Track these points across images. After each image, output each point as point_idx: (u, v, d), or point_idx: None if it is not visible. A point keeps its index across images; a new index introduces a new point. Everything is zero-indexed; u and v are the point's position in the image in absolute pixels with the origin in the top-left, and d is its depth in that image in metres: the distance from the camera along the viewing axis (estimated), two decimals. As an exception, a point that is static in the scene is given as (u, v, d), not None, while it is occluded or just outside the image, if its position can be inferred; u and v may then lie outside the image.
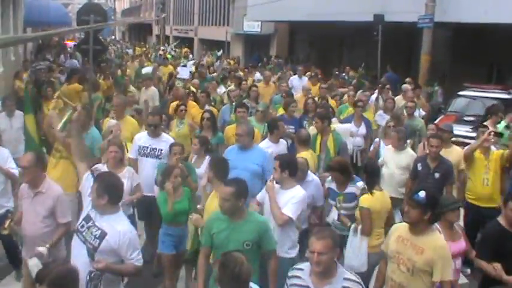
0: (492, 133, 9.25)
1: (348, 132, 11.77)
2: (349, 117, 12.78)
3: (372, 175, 7.66)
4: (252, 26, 40.00)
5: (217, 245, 5.97)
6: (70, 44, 39.45)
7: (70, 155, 7.81)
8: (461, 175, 9.68)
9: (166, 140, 9.05)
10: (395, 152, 9.89)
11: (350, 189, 7.75)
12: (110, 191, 5.49)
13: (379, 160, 10.09)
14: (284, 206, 6.65)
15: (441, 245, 5.67)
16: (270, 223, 6.29)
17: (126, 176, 7.61)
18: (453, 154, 9.69)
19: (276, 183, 6.88)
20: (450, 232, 6.54)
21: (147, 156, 9.02)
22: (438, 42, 22.32)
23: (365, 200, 7.32)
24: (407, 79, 19.19)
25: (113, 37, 62.02)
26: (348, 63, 28.67)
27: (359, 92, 16.19)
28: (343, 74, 24.18)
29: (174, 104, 12.40)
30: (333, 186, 7.93)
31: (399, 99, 14.90)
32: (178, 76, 19.38)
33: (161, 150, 8.90)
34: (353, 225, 7.43)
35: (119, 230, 5.42)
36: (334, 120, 11.96)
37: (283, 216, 6.61)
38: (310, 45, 37.02)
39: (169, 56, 31.23)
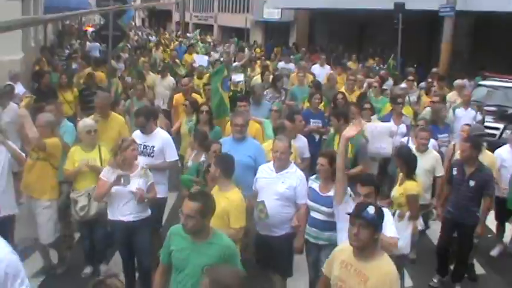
0: None
1: (388, 132, 10.55)
2: (387, 115, 11.53)
3: (409, 162, 7.56)
4: (271, 14, 39.89)
5: (174, 265, 5.23)
6: (90, 30, 39.57)
7: (48, 155, 7.69)
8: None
9: (160, 136, 8.39)
10: (418, 154, 8.61)
11: (333, 192, 6.69)
12: None
13: None
14: None
15: (388, 272, 4.71)
16: (235, 246, 5.31)
17: (139, 174, 7.13)
18: (484, 160, 8.63)
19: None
20: None
21: (140, 155, 8.18)
22: (459, 31, 22.10)
23: (412, 187, 7.35)
24: (410, 69, 18.82)
25: (133, 23, 62.00)
26: (368, 52, 28.48)
27: (396, 87, 14.97)
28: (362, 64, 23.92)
29: (178, 97, 12.09)
30: (316, 187, 6.97)
31: (452, 96, 14.23)
32: (195, 65, 18.79)
33: (153, 147, 8.23)
34: (397, 212, 7.30)
35: None
36: (373, 117, 10.96)
37: (394, 240, 5.98)
38: (329, 34, 36.80)
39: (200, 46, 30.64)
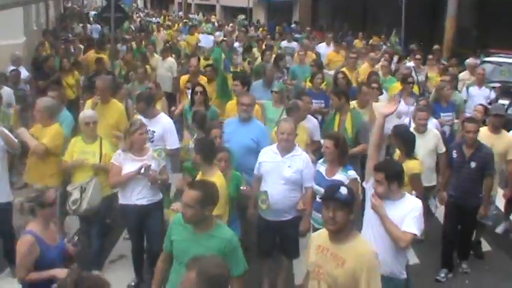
0: None
1: (395, 113, 10.12)
2: (396, 94, 10.55)
3: (407, 140, 7.45)
4: (274, -8, 39.71)
5: (175, 255, 5.10)
6: (91, 12, 39.47)
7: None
8: (510, 166, 8.52)
9: (162, 122, 8.22)
10: (417, 134, 8.26)
11: (339, 176, 6.62)
12: None
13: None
14: (400, 222, 5.47)
15: (364, 252, 4.59)
16: (237, 240, 5.04)
17: (151, 157, 7.05)
18: (503, 141, 8.52)
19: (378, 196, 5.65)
20: None
21: None
22: (463, 8, 21.92)
23: (415, 166, 7.19)
24: (413, 46, 18.62)
25: (135, 5, 61.76)
26: (372, 29, 28.32)
27: (401, 65, 14.83)
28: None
29: (185, 78, 11.92)
30: (323, 170, 6.82)
31: (465, 76, 14.06)
32: (200, 44, 18.49)
33: (153, 132, 8.01)
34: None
35: None
36: (382, 97, 10.54)
37: (407, 235, 5.43)
38: (333, 12, 36.62)
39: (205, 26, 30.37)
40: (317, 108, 10.41)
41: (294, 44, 19.84)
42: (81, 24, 30.28)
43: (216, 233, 4.88)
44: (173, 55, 16.52)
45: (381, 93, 10.73)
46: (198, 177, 6.32)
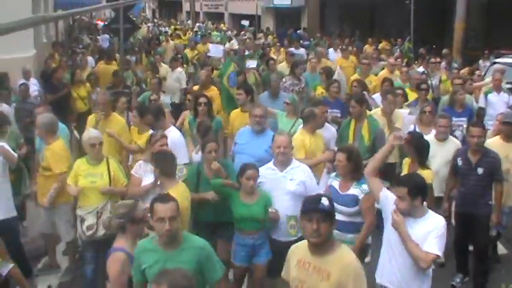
0: None
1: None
2: (413, 102, 10.96)
3: (422, 150, 7.21)
4: (282, -1, 39.69)
5: (151, 281, 4.63)
6: (100, 24, 39.60)
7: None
8: None
9: (170, 136, 7.77)
10: (438, 143, 8.13)
11: (354, 190, 6.40)
12: None
13: None
14: (422, 241, 5.21)
15: (349, 262, 4.44)
16: (209, 246, 4.93)
17: None
18: None
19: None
20: None
21: None
22: (473, 8, 21.84)
23: (428, 176, 6.76)
24: (421, 50, 18.52)
25: (143, 15, 62.00)
26: (380, 34, 28.27)
27: (411, 71, 14.23)
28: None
29: (195, 89, 11.79)
30: (336, 184, 6.56)
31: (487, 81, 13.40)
32: (209, 54, 17.85)
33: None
34: None
35: None
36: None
37: (429, 256, 5.16)
38: (340, 18, 36.60)
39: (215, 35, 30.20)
40: (333, 117, 10.09)
41: (302, 51, 19.80)
42: (90, 36, 30.43)
43: (186, 246, 4.73)
44: (184, 65, 16.28)
45: (406, 100, 10.63)
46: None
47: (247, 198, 6.49)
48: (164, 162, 6.23)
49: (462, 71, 15.16)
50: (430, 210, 5.46)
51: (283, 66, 15.37)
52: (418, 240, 5.20)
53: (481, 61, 18.69)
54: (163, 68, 15.67)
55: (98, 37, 28.09)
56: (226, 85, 10.98)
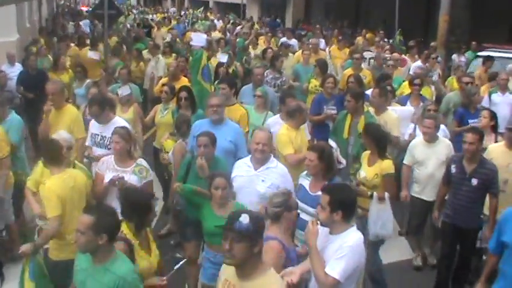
0: None
1: (410, 116, 9.31)
2: (403, 97, 10.56)
3: (379, 141, 6.98)
4: (268, -12, 39.64)
5: (75, 285, 4.67)
6: (84, 9, 39.32)
7: None
8: None
9: (118, 126, 7.32)
10: (427, 144, 7.82)
11: None
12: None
13: (406, 158, 8.11)
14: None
15: None
16: (133, 277, 4.48)
17: (132, 171, 6.47)
18: None
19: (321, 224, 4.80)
20: None
21: (98, 146, 7.72)
22: (458, 2, 21.93)
23: (389, 166, 6.83)
24: (411, 42, 18.43)
25: (128, 2, 61.48)
26: (365, 25, 28.34)
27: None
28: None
29: (164, 81, 11.16)
30: (306, 184, 6.21)
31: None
32: (191, 43, 16.45)
33: (110, 138, 7.29)
34: (375, 194, 6.77)
35: None
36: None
37: (327, 278, 4.57)
38: (326, 8, 36.62)
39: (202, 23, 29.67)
40: (329, 114, 9.52)
41: (293, 41, 19.48)
42: (73, 22, 30.16)
43: (111, 267, 4.40)
44: (173, 55, 15.67)
45: (394, 97, 10.22)
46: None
47: (220, 210, 5.90)
48: (47, 149, 6.02)
49: (477, 72, 14.64)
50: (352, 228, 4.77)
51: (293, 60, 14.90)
52: (329, 259, 4.65)
53: (455, 55, 18.62)
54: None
55: (80, 23, 27.81)
56: (199, 80, 10.21)
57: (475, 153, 6.94)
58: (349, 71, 12.45)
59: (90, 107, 7.90)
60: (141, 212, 5.14)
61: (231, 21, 31.84)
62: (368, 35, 23.71)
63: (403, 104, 10.07)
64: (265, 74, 11.70)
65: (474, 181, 6.89)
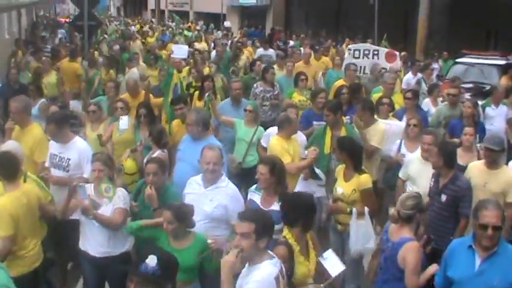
0: None
1: (401, 132, 8.73)
2: (399, 111, 9.90)
3: (354, 153, 6.79)
4: (247, -2, 39.74)
5: None
6: (63, 20, 39.19)
7: None
8: (508, 210, 6.49)
9: (77, 148, 7.17)
10: (423, 162, 7.31)
11: (277, 206, 5.76)
12: None
13: (401, 172, 7.72)
14: None
15: None
16: None
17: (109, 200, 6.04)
18: (500, 179, 6.85)
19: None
20: None
21: (56, 167, 7.18)
22: (436, 9, 22.17)
23: (366, 181, 6.62)
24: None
25: (109, 13, 61.32)
26: (345, 33, 28.54)
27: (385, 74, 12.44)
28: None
29: (125, 97, 10.22)
30: (257, 199, 6.00)
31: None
32: (173, 56, 15.59)
33: (68, 160, 7.06)
34: (354, 210, 6.58)
35: None
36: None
37: None
38: (306, 17, 36.79)
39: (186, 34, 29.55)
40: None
41: (271, 52, 19.29)
42: (52, 34, 30.05)
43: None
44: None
45: (392, 110, 9.64)
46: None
47: (176, 243, 5.42)
48: (3, 165, 5.80)
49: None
50: (270, 261, 4.38)
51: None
52: None
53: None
54: (141, 67, 14.95)
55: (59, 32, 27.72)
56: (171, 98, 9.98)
57: (437, 167, 6.66)
58: (340, 82, 11.93)
59: (48, 126, 7.28)
60: (307, 215, 5.20)
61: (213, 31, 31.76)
62: (348, 43, 23.74)
63: (399, 118, 9.51)
64: (254, 86, 11.53)
65: (443, 197, 6.54)
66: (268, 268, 4.30)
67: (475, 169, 7.10)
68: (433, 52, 20.96)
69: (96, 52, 17.80)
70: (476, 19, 22.05)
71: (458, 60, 17.58)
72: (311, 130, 9.11)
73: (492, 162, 6.95)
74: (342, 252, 6.72)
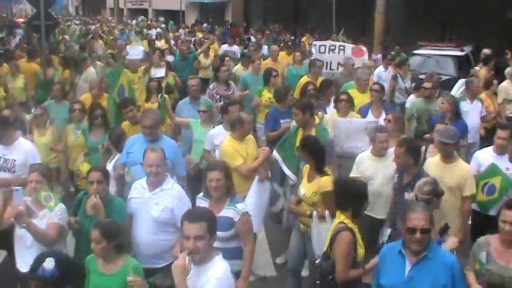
0: None
1: (364, 128, 8.26)
2: (364, 107, 9.57)
3: (316, 153, 6.58)
4: (206, -6, 39.66)
5: None
6: (21, 21, 38.56)
7: None
8: (464, 204, 6.76)
9: (22, 148, 7.12)
10: (376, 159, 7.23)
11: (227, 212, 5.58)
12: None
13: (353, 172, 7.45)
14: None
15: None
16: None
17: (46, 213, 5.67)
18: (455, 172, 6.78)
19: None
20: None
21: (0, 170, 7.06)
22: (392, 1, 22.44)
23: (327, 183, 6.27)
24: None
25: (68, 11, 60.45)
26: (304, 28, 28.68)
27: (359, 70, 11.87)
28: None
29: (85, 98, 10.36)
30: (204, 204, 5.72)
31: (508, 87, 12.07)
32: (128, 57, 14.17)
33: (14, 161, 6.98)
34: (315, 213, 6.37)
35: None
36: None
37: None
38: (264, 12, 36.91)
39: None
40: (287, 127, 8.73)
41: (235, 48, 19.24)
42: (9, 35, 29.56)
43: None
44: None
45: (352, 107, 9.22)
46: None
47: (106, 266, 5.02)
48: None
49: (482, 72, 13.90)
50: (218, 256, 4.35)
51: (238, 69, 14.20)
52: None
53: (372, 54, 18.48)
54: (98, 66, 14.86)
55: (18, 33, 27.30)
56: (115, 97, 9.86)
57: (403, 166, 6.56)
58: (305, 79, 11.49)
59: None
60: (357, 201, 5.38)
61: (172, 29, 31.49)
62: (304, 38, 23.85)
63: (363, 114, 9.27)
64: (210, 87, 11.39)
65: (406, 195, 6.37)
66: (223, 264, 4.27)
67: (432, 163, 7.02)
68: (393, 45, 21.12)
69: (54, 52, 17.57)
70: (432, 11, 22.41)
71: (415, 52, 17.87)
72: (283, 130, 8.79)
73: (447, 156, 6.88)
74: (304, 252, 6.77)
